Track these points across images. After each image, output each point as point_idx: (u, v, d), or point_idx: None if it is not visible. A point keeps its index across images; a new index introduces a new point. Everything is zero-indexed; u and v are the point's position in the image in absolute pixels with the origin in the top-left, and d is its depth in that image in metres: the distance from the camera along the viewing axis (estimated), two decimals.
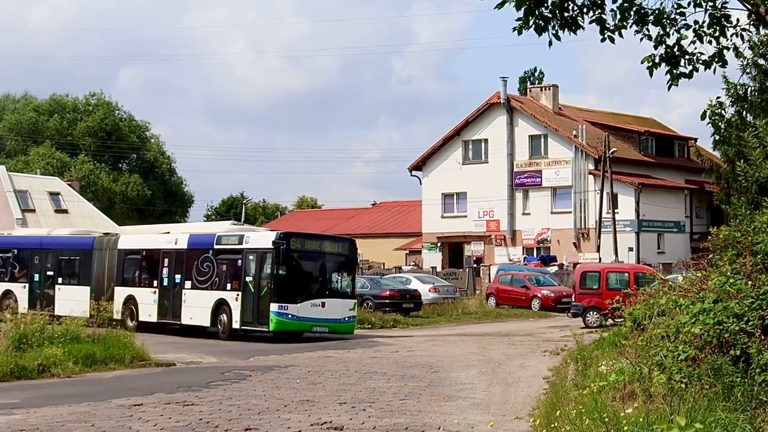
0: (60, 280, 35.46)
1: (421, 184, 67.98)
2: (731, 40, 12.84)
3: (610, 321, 25.29)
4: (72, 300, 33.03)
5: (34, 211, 71.73)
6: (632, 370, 13.46)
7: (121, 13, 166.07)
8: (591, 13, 12.68)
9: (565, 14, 12.59)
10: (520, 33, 12.42)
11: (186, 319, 30.90)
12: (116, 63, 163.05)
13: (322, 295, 29.16)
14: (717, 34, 12.76)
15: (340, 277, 30.34)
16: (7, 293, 36.70)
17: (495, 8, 12.56)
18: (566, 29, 12.69)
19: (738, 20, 12.92)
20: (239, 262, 29.36)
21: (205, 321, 30.13)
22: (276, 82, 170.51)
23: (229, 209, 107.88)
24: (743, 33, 12.88)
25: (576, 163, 61.28)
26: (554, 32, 12.65)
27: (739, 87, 21.26)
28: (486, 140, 64.96)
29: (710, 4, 12.71)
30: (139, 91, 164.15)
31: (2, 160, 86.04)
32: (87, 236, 36.99)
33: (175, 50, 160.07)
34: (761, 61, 19.09)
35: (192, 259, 30.84)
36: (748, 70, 20.93)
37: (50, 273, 35.84)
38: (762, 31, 14.08)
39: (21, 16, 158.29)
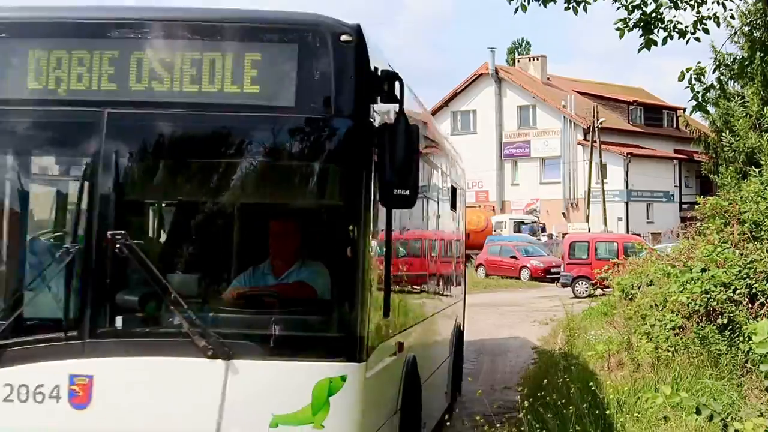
0: None
1: None
2: (712, 9, 12.87)
3: (599, 291, 25.42)
4: None
5: None
6: (620, 339, 13.53)
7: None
8: None
9: None
10: None
11: None
12: None
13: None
14: (693, 2, 12.80)
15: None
16: None
17: None
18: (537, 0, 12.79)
19: None
20: None
21: None
22: None
23: None
24: (725, 2, 12.90)
25: (565, 133, 61.26)
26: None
27: (726, 56, 21.22)
28: (474, 111, 64.87)
29: None
30: None
31: None
32: None
33: None
34: (747, 29, 19.08)
35: None
36: (735, 39, 20.93)
37: None
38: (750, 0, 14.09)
39: None
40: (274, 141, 5.91)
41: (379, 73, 5.87)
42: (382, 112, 5.94)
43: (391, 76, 5.92)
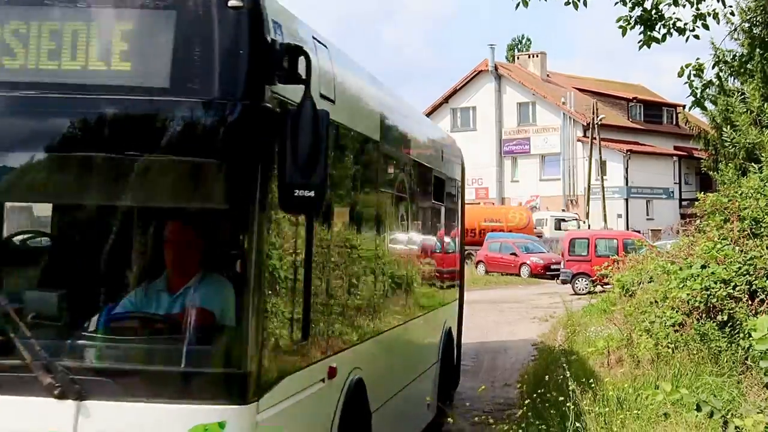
0: None
1: None
2: (711, 6, 12.88)
3: (598, 287, 25.42)
4: None
5: None
6: (620, 336, 13.52)
7: None
8: None
9: None
10: None
11: None
12: None
13: None
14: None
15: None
16: None
17: None
18: None
19: None
20: None
21: None
22: None
23: None
24: None
25: (564, 130, 61.24)
26: None
27: (726, 53, 21.22)
28: (474, 108, 64.83)
29: None
30: None
31: None
32: None
33: None
34: (746, 25, 19.09)
35: None
36: (735, 36, 20.91)
37: None
38: None
39: None
40: (145, 130, 4.66)
41: (278, 47, 4.71)
42: (282, 95, 4.85)
43: (294, 51, 4.76)
